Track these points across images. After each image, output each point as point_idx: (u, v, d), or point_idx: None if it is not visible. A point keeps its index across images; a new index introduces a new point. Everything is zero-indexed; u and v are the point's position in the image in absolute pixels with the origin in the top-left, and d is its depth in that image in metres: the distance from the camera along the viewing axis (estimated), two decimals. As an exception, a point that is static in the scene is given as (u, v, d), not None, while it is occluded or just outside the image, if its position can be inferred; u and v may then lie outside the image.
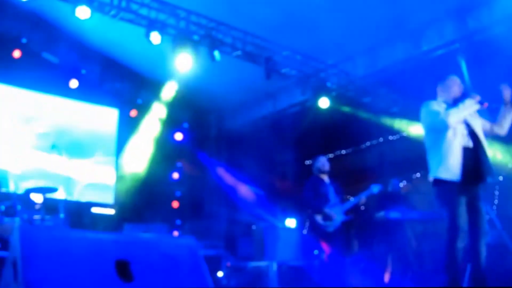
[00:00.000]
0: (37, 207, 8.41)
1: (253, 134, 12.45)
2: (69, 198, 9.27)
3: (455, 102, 5.38)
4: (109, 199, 12.35)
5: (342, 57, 10.72)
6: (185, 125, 13.52)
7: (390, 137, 11.53)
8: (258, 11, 9.17)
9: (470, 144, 5.24)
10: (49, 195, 8.58)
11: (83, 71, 11.78)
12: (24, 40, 10.97)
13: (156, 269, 3.46)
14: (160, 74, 11.51)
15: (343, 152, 12.36)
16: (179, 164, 13.47)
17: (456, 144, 5.21)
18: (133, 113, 12.93)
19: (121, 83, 12.38)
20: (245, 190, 12.19)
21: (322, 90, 10.76)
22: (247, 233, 10.69)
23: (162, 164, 12.86)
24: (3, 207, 7.75)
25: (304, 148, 11.77)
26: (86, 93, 12.11)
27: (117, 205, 12.23)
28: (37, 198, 8.53)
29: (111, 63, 11.93)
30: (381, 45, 10.21)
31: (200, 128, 13.74)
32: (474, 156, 5.22)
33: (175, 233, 12.11)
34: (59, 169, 10.64)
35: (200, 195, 13.38)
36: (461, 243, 5.03)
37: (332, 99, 10.81)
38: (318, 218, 7.81)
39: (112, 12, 8.90)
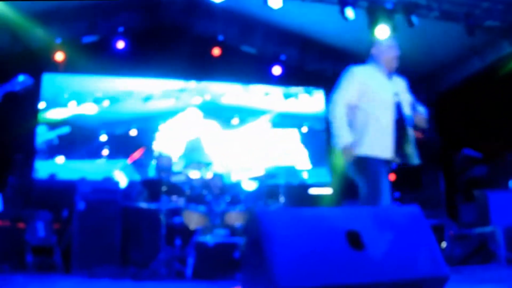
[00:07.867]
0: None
1: (463, 95, 11.96)
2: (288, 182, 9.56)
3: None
4: (325, 178, 12.58)
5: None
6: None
7: None
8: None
9: None
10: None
11: (283, 57, 12.07)
12: (221, 37, 11.52)
13: (385, 237, 3.55)
14: (360, 48, 11.38)
15: None
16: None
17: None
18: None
19: (323, 63, 12.46)
20: (461, 155, 11.76)
21: (532, 37, 10.02)
22: (469, 199, 10.31)
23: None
24: (228, 198, 8.22)
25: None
26: (289, 78, 12.40)
27: (334, 183, 12.39)
28: (253, 185, 8.94)
29: (310, 44, 12.08)
30: None
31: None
32: None
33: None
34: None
35: (416, 164, 13.07)
36: None
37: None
38: None
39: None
